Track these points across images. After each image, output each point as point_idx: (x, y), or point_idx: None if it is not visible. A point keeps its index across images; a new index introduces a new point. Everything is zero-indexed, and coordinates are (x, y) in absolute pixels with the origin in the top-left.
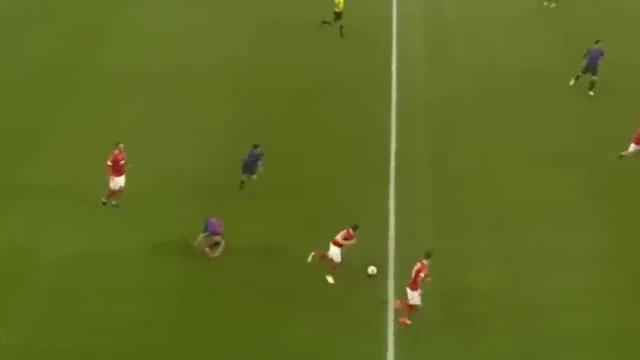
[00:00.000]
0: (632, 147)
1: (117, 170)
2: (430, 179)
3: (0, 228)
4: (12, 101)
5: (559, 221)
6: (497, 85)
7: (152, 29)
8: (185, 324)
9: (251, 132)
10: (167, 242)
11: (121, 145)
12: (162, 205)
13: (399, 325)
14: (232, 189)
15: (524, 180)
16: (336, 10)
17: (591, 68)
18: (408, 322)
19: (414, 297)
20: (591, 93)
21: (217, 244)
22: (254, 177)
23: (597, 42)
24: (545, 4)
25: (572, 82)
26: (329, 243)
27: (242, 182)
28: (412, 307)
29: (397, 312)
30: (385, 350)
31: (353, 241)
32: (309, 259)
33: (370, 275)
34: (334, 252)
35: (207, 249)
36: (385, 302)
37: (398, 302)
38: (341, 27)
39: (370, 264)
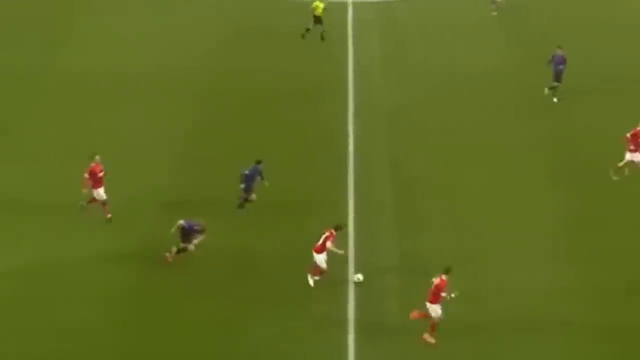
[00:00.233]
0: (629, 156)
1: (96, 182)
2: (389, 181)
3: None
4: None
5: (518, 221)
6: (453, 88)
7: (111, 34)
8: (145, 328)
9: (211, 136)
10: (127, 249)
11: (97, 157)
12: (122, 214)
13: (359, 326)
14: (190, 194)
15: (482, 181)
16: (315, 14)
17: (557, 76)
18: (432, 340)
19: (436, 310)
20: (555, 100)
21: (184, 250)
22: (254, 196)
23: (558, 47)
24: (494, 13)
25: (555, 100)
26: (289, 246)
27: (247, 200)
28: (434, 322)
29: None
30: (346, 351)
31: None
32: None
33: (356, 283)
34: (319, 259)
35: (167, 254)
36: (345, 302)
37: (416, 313)
38: (322, 32)
39: (336, 270)
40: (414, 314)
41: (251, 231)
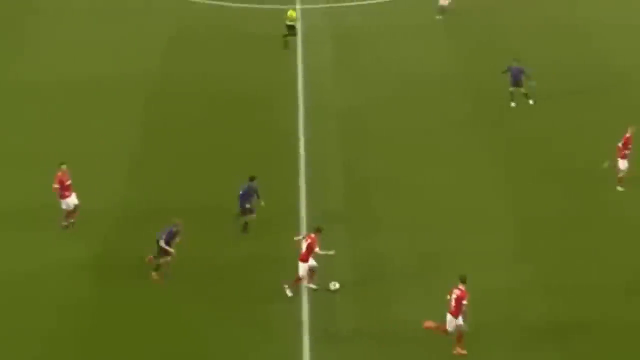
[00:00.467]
0: (621, 164)
1: (66, 190)
2: (342, 183)
3: None
4: None
5: (472, 221)
6: (404, 91)
7: (63, 43)
8: (100, 337)
9: (163, 143)
10: (82, 257)
11: (64, 167)
12: (76, 222)
13: (314, 328)
14: (143, 202)
15: (435, 182)
16: (288, 23)
17: (516, 84)
18: (464, 351)
19: (459, 322)
20: (531, 102)
21: (165, 262)
22: (254, 216)
23: (515, 59)
24: (438, 17)
25: (513, 104)
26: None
27: (246, 223)
28: (460, 334)
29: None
30: (301, 353)
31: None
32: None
33: (333, 291)
34: (303, 268)
35: (153, 273)
36: (300, 305)
37: (430, 323)
38: (287, 36)
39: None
40: (428, 324)
41: (205, 237)
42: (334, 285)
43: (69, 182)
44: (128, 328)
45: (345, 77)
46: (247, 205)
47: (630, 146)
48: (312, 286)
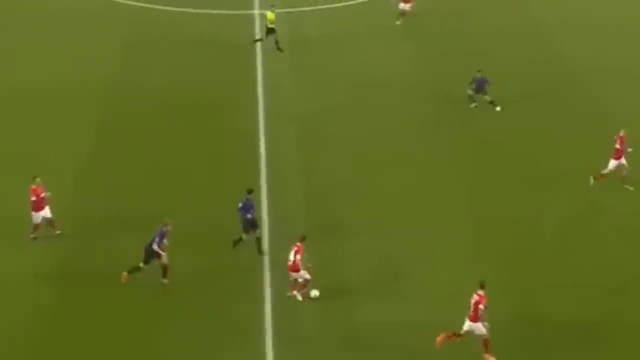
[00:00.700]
0: (612, 164)
1: (39, 203)
2: (302, 188)
3: None
4: None
5: (433, 224)
6: (364, 95)
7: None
8: (61, 345)
9: (121, 150)
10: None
11: (38, 179)
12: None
13: (277, 332)
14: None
15: (396, 185)
16: (268, 25)
17: (481, 92)
18: (493, 358)
19: (479, 328)
20: (498, 108)
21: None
22: (258, 231)
23: (479, 71)
24: (397, 22)
25: (473, 105)
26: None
27: (241, 239)
28: (486, 340)
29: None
30: (264, 357)
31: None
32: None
33: (313, 299)
34: (296, 276)
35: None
36: (262, 309)
37: (441, 337)
38: (277, 42)
39: (252, 278)
40: (440, 339)
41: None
42: (315, 294)
43: (43, 195)
44: (87, 336)
45: (305, 81)
46: (249, 216)
47: (624, 145)
48: (295, 293)
